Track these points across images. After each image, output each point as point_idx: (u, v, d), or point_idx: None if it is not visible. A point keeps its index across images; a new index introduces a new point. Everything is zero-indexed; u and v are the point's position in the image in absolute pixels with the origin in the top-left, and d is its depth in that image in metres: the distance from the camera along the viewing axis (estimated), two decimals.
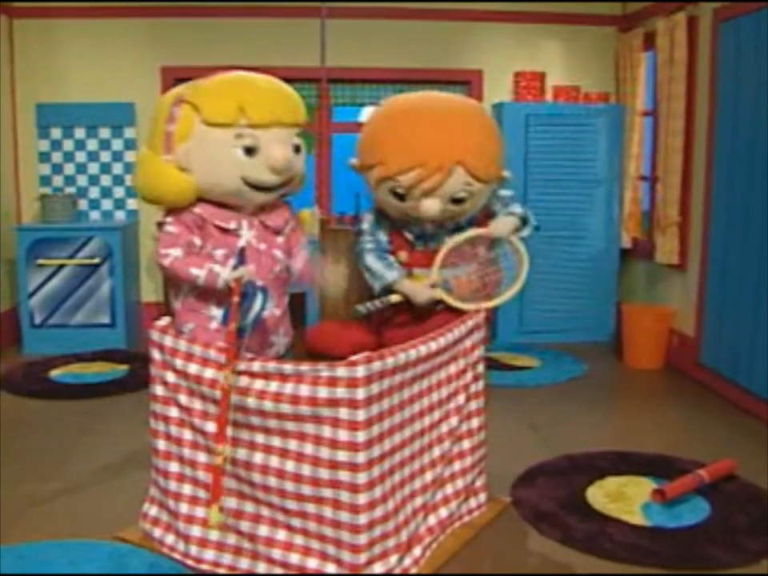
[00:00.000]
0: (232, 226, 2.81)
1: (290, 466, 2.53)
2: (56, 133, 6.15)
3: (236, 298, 2.61)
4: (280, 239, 2.93)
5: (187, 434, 2.76)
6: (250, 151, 2.72)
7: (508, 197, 3.22)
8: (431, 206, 2.91)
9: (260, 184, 2.77)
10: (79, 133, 6.16)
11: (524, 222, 3.20)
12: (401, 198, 2.96)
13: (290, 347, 3.07)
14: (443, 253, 3.04)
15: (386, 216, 3.15)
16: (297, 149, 2.85)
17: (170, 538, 2.84)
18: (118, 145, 6.19)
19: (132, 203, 6.25)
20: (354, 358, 2.46)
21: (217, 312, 2.80)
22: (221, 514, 2.47)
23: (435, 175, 2.86)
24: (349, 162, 3.12)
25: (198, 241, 2.79)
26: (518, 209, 3.19)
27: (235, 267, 2.71)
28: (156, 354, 2.81)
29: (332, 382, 2.45)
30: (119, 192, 6.23)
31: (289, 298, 3.04)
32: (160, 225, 2.91)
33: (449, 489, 3.00)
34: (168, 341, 2.76)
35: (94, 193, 6.24)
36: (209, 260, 2.76)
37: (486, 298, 3.16)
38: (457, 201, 2.96)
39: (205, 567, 2.73)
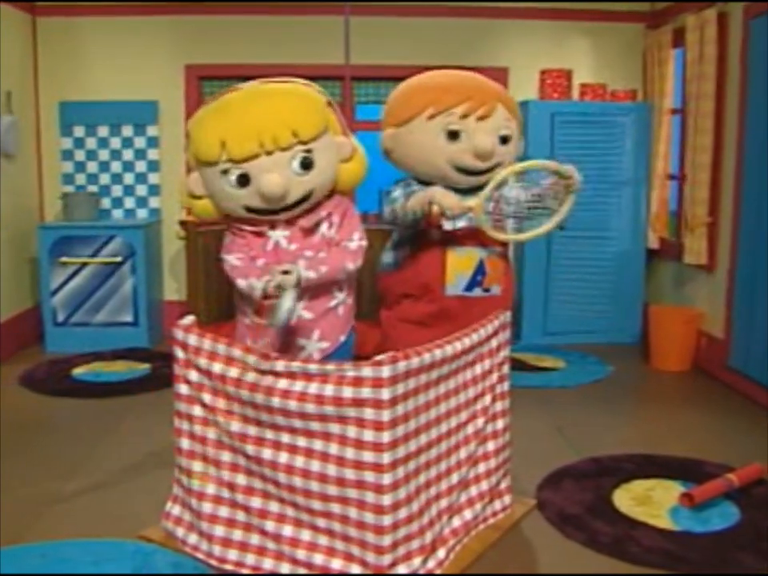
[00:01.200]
0: (262, 228, 2.83)
1: (315, 466, 2.51)
2: (79, 131, 6.17)
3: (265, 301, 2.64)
4: (315, 239, 2.86)
5: (211, 433, 2.75)
6: (241, 183, 2.71)
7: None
8: (487, 137, 2.91)
9: (263, 209, 2.78)
10: (102, 131, 6.18)
11: None
12: (455, 136, 2.92)
13: (336, 351, 2.95)
14: (494, 183, 2.93)
15: (421, 188, 3.01)
16: (306, 165, 2.72)
17: (192, 538, 2.83)
18: (140, 143, 6.20)
19: (154, 201, 6.26)
20: (379, 357, 2.43)
21: (249, 308, 2.88)
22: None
23: (484, 106, 2.92)
24: (382, 137, 3.05)
25: (243, 242, 2.86)
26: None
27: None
28: (179, 353, 2.79)
29: (357, 381, 2.43)
30: (142, 190, 6.24)
31: (342, 301, 2.96)
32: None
33: (473, 490, 2.97)
34: (192, 339, 2.74)
35: (116, 191, 6.26)
36: (253, 268, 2.80)
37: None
38: (503, 140, 2.97)
39: (228, 567, 2.72)
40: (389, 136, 3.03)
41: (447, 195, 2.82)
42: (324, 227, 2.88)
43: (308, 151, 2.72)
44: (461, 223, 2.99)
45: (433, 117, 2.92)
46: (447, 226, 2.99)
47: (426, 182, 3.02)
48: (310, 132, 2.72)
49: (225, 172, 2.70)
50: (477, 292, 3.03)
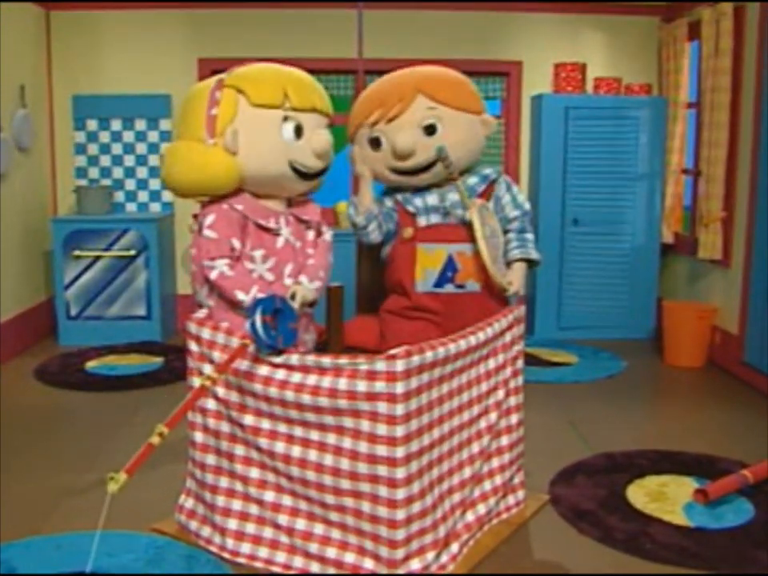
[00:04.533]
0: (272, 224, 2.78)
1: (328, 459, 2.51)
2: (92, 125, 6.18)
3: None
4: (311, 235, 2.91)
5: (224, 427, 2.75)
6: (298, 132, 2.75)
7: (526, 211, 3.16)
8: (401, 136, 2.89)
9: (306, 169, 2.79)
10: (115, 125, 6.19)
11: (530, 262, 3.12)
12: (377, 144, 2.97)
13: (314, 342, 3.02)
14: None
15: (390, 193, 3.12)
16: (329, 134, 2.88)
17: (206, 531, 2.83)
18: (153, 137, 6.21)
19: (167, 195, 6.26)
20: (392, 351, 2.43)
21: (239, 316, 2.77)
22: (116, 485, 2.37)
23: (397, 104, 2.92)
24: (349, 154, 3.11)
25: (237, 244, 2.73)
26: (530, 236, 3.15)
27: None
28: (193, 346, 2.79)
29: (371, 375, 2.42)
30: (155, 184, 6.25)
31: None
32: (196, 217, 2.87)
33: (487, 485, 2.96)
34: (205, 333, 2.74)
35: (129, 185, 6.27)
36: (251, 278, 2.72)
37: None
38: (429, 130, 2.93)
39: (241, 560, 2.72)
40: (351, 153, 3.10)
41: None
42: (315, 224, 2.94)
43: (329, 125, 2.91)
44: (434, 219, 3.02)
45: (357, 130, 3.03)
46: (421, 222, 3.02)
47: (395, 188, 3.10)
48: (331, 111, 2.91)
49: (285, 119, 2.73)
50: (448, 288, 3.01)
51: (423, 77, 3.00)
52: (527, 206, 3.17)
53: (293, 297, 2.68)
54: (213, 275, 2.70)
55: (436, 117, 2.93)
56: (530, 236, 3.15)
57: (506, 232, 3.13)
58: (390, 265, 3.11)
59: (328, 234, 2.96)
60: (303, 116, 2.75)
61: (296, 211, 2.87)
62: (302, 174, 2.79)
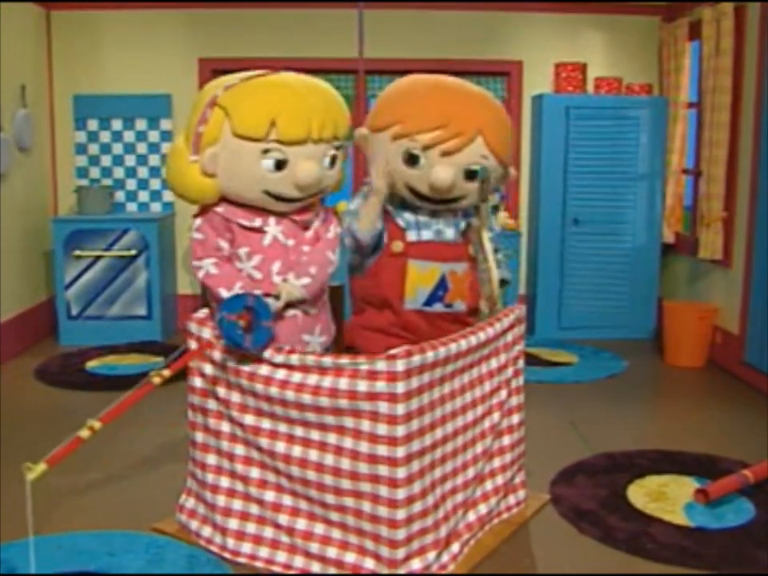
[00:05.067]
0: (256, 223, 2.75)
1: (328, 459, 2.51)
2: (93, 124, 6.18)
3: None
4: (309, 234, 2.85)
5: (225, 427, 2.75)
6: (277, 166, 2.65)
7: (497, 231, 3.17)
8: (444, 172, 2.77)
9: (283, 197, 2.72)
10: (116, 124, 6.19)
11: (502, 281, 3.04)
12: (413, 161, 2.82)
13: (330, 345, 2.98)
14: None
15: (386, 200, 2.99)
16: (332, 161, 2.78)
17: (206, 531, 2.83)
18: (154, 137, 6.21)
19: (168, 195, 6.26)
20: (393, 351, 2.42)
21: None
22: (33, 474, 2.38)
23: (456, 138, 2.77)
24: (356, 132, 2.96)
25: (224, 244, 2.75)
26: (501, 256, 3.09)
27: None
28: (194, 346, 2.79)
29: (371, 375, 2.43)
30: (156, 184, 6.25)
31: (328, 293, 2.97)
32: (196, 217, 2.88)
33: (488, 485, 2.96)
34: (206, 333, 2.74)
35: (130, 185, 6.27)
36: (238, 276, 2.72)
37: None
38: (469, 174, 2.83)
39: (242, 560, 2.72)
40: (361, 136, 2.96)
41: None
42: (315, 223, 2.87)
43: (338, 148, 2.78)
44: (426, 235, 2.95)
45: (397, 137, 2.83)
46: (411, 237, 2.94)
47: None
48: (346, 132, 2.78)
49: (265, 152, 2.63)
50: (437, 307, 2.95)
51: (489, 117, 2.85)
52: (498, 228, 3.20)
53: (278, 295, 2.67)
54: (200, 274, 2.74)
55: (479, 166, 2.83)
56: (500, 256, 3.07)
57: None
58: (372, 278, 2.97)
59: (332, 232, 2.90)
60: (290, 149, 2.63)
61: (290, 211, 2.82)
62: (283, 199, 2.72)
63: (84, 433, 2.32)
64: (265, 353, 2.61)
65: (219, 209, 2.75)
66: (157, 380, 2.50)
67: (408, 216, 2.96)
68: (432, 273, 2.94)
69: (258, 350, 2.59)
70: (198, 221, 2.79)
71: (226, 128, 2.63)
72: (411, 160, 2.83)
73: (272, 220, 2.78)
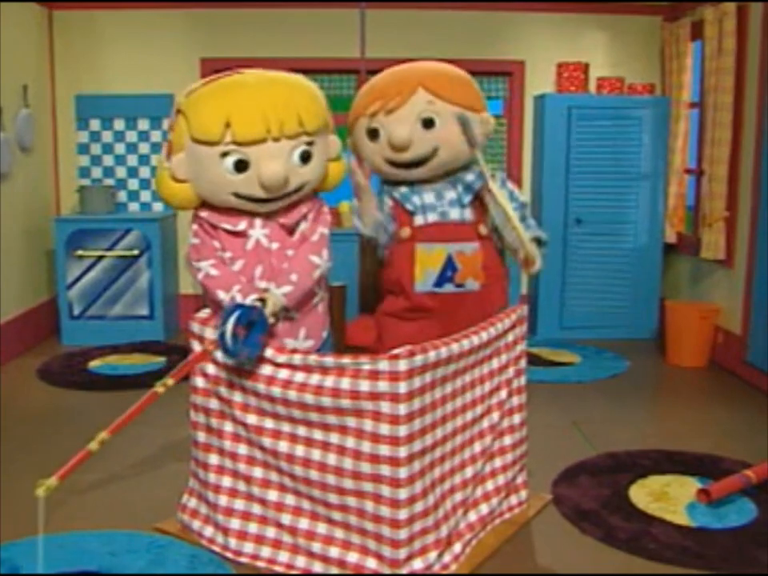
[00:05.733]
0: (240, 227, 2.72)
1: (331, 459, 2.51)
2: (95, 124, 6.19)
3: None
4: (295, 237, 2.80)
5: (227, 426, 2.75)
6: (238, 168, 2.60)
7: (524, 203, 3.14)
8: (399, 129, 2.87)
9: (253, 198, 2.67)
10: (118, 124, 6.20)
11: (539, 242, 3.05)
12: (374, 135, 2.93)
13: (329, 347, 2.95)
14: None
15: (392, 188, 3.06)
16: (305, 157, 2.68)
17: (208, 531, 2.83)
18: (156, 136, 6.21)
19: None
20: (395, 351, 2.43)
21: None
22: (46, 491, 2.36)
23: (397, 97, 2.89)
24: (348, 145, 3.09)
25: (218, 244, 2.73)
26: (532, 222, 3.10)
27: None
28: (196, 346, 2.79)
29: (374, 375, 2.43)
30: None
31: (321, 298, 2.93)
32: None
33: (489, 485, 2.96)
34: (208, 332, 2.74)
35: (132, 185, 6.28)
36: (236, 279, 2.69)
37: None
38: (427, 123, 2.89)
39: (244, 560, 2.72)
40: (349, 145, 3.08)
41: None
42: (303, 225, 2.82)
43: (309, 143, 2.69)
44: (432, 218, 2.98)
45: (355, 122, 2.99)
46: (418, 221, 2.98)
47: (393, 182, 3.05)
48: (315, 124, 2.69)
49: (224, 155, 2.59)
50: (448, 288, 2.97)
51: (425, 71, 2.99)
52: (523, 198, 3.16)
53: (264, 304, 2.63)
54: (199, 276, 2.72)
55: (434, 111, 2.90)
56: (532, 221, 3.10)
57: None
58: (387, 266, 3.05)
59: (317, 234, 2.82)
60: (251, 149, 2.57)
61: (279, 213, 2.77)
62: (256, 200, 2.68)
63: (93, 446, 2.34)
64: (267, 352, 2.62)
65: (203, 213, 2.74)
66: (161, 390, 2.51)
67: (415, 200, 3.01)
68: (438, 254, 2.97)
69: (249, 359, 2.59)
70: (194, 226, 2.78)
71: (186, 134, 2.63)
72: (372, 134, 2.95)
73: (258, 222, 2.74)
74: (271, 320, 2.63)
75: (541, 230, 3.10)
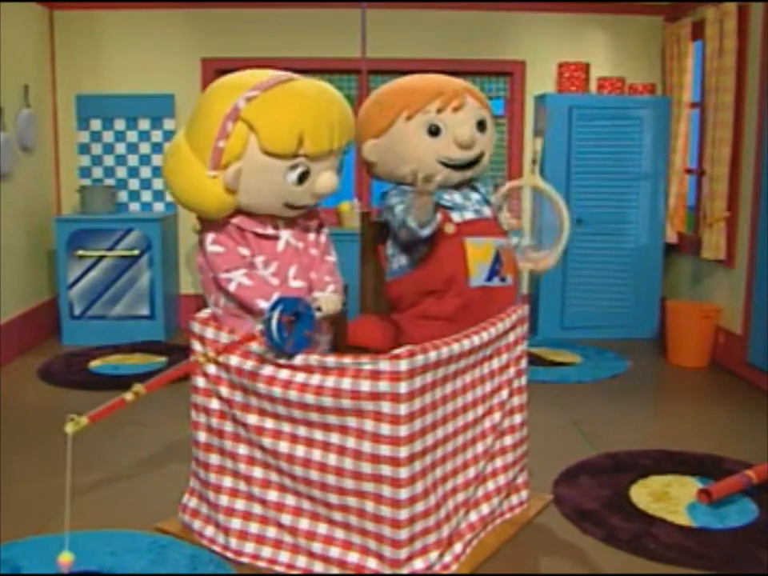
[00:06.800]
0: (270, 231, 2.73)
1: (331, 459, 2.51)
2: (96, 124, 6.19)
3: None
4: (311, 236, 2.86)
5: (228, 426, 2.75)
6: (301, 179, 2.64)
7: None
8: (464, 126, 2.93)
9: (301, 207, 2.75)
10: (119, 124, 6.20)
11: None
12: (435, 132, 2.93)
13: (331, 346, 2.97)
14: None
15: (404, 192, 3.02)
16: (339, 170, 2.80)
17: (209, 530, 2.83)
18: (157, 136, 6.21)
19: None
20: (396, 351, 2.43)
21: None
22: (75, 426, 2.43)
23: (457, 97, 2.94)
24: (364, 149, 3.02)
25: (245, 251, 2.70)
26: None
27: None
28: (197, 346, 2.79)
29: (375, 375, 2.43)
30: (158, 184, 6.25)
31: None
32: (200, 218, 2.84)
33: (490, 485, 2.96)
34: (209, 333, 2.74)
35: (133, 184, 6.27)
36: (272, 286, 2.67)
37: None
38: (481, 126, 2.99)
39: (244, 560, 2.72)
40: (370, 148, 3.00)
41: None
42: (312, 226, 2.88)
43: (344, 154, 2.80)
44: (468, 215, 2.99)
45: (410, 117, 2.93)
46: (456, 217, 2.97)
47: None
48: (351, 137, 2.80)
49: (293, 167, 2.61)
50: (496, 281, 2.98)
51: (461, 82, 3.06)
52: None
53: (319, 307, 2.64)
54: (231, 288, 2.65)
55: (484, 116, 3.02)
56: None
57: None
58: (432, 264, 2.96)
59: (323, 236, 2.90)
60: (314, 163, 2.64)
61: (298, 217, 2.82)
62: (295, 208, 2.74)
63: (128, 396, 2.32)
64: (267, 352, 2.62)
65: (235, 219, 2.70)
66: (203, 360, 2.54)
67: (447, 198, 3.01)
68: (487, 248, 2.97)
69: (294, 354, 2.58)
70: (211, 236, 2.70)
71: (252, 143, 2.56)
72: (434, 131, 2.93)
73: (281, 223, 2.77)
74: (319, 316, 2.65)
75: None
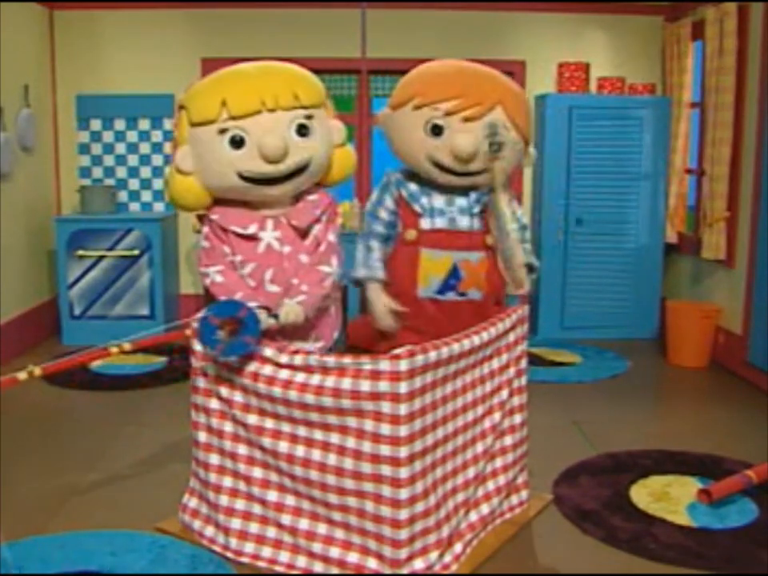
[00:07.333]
0: (250, 230, 2.73)
1: (331, 459, 2.51)
2: (96, 124, 6.19)
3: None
4: (308, 241, 2.80)
5: (228, 426, 2.75)
6: (236, 143, 2.61)
7: (524, 225, 3.10)
8: (466, 138, 2.77)
9: (258, 176, 2.66)
10: (119, 124, 6.20)
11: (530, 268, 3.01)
12: (437, 131, 2.82)
13: (334, 346, 2.95)
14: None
15: (401, 184, 2.99)
16: (301, 130, 2.68)
17: (209, 530, 2.83)
18: (157, 136, 6.21)
19: None
20: (396, 351, 2.42)
21: None
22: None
23: (476, 106, 2.78)
24: (378, 114, 3.00)
25: (228, 249, 2.74)
26: (529, 247, 3.06)
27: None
28: (197, 346, 2.79)
29: (375, 375, 2.42)
30: (158, 184, 6.25)
31: (334, 299, 2.94)
32: (200, 217, 2.88)
33: (490, 485, 2.96)
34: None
35: (133, 184, 6.27)
36: (241, 286, 2.71)
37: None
38: (493, 147, 2.80)
39: (244, 560, 2.72)
40: (382, 115, 2.99)
41: (378, 311, 2.90)
42: (316, 228, 2.82)
43: (308, 117, 2.70)
44: (439, 223, 2.93)
45: (418, 107, 2.84)
46: (425, 224, 2.93)
47: (414, 174, 2.98)
48: (311, 98, 2.71)
49: (222, 132, 2.61)
50: (450, 296, 2.93)
51: (506, 89, 2.89)
52: (525, 219, 3.12)
53: (276, 315, 2.66)
54: (206, 282, 2.75)
55: (504, 137, 2.82)
56: (528, 246, 3.06)
57: None
58: (389, 267, 2.99)
59: (324, 244, 2.82)
60: (247, 122, 2.59)
61: (292, 214, 2.78)
62: (260, 181, 2.67)
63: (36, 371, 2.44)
64: (268, 352, 2.61)
65: (214, 216, 2.75)
66: (115, 351, 2.67)
67: (424, 201, 2.95)
68: (444, 262, 2.92)
69: (226, 358, 2.59)
70: (205, 228, 2.80)
71: (185, 123, 2.68)
72: (434, 130, 2.83)
73: (269, 224, 2.75)
74: (272, 324, 2.64)
75: (534, 257, 3.05)
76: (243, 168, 2.64)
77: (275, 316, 2.66)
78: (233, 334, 2.55)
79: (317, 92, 2.77)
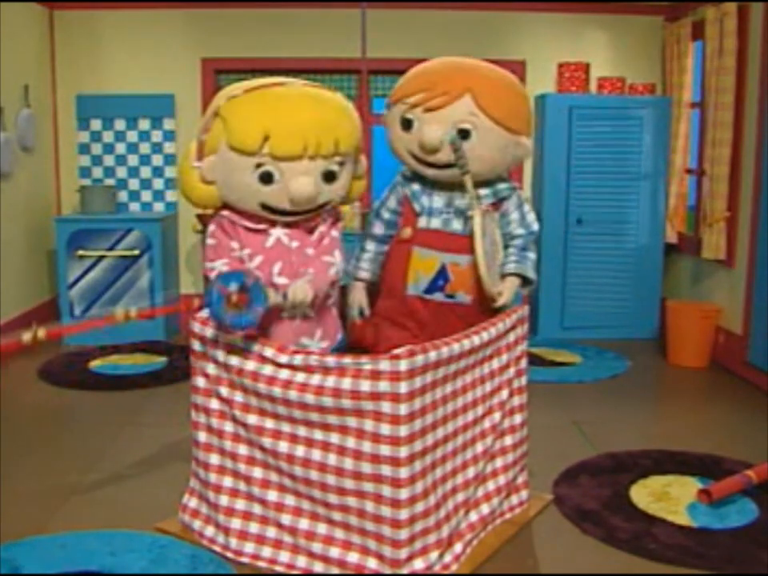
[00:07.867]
0: (261, 225, 2.76)
1: (331, 459, 2.51)
2: (96, 124, 6.20)
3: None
4: (314, 236, 2.84)
5: (228, 426, 2.75)
6: (266, 180, 2.63)
7: (532, 231, 3.07)
8: (431, 130, 2.80)
9: (278, 210, 2.71)
10: (119, 124, 6.20)
11: (525, 280, 3.02)
12: (407, 125, 2.88)
13: (334, 349, 2.93)
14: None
15: (405, 184, 3.05)
16: (329, 177, 2.71)
17: (209, 530, 2.83)
18: (157, 136, 6.22)
19: (171, 195, 6.27)
20: (396, 351, 2.42)
21: None
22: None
23: (441, 96, 2.81)
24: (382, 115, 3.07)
25: (235, 245, 2.76)
26: (531, 255, 3.06)
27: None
28: (197, 346, 2.79)
29: (375, 375, 2.42)
30: (158, 184, 6.26)
31: (335, 300, 2.95)
32: (200, 217, 2.89)
33: (490, 485, 2.95)
34: (209, 332, 2.74)
35: (133, 184, 6.28)
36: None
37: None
38: (462, 134, 2.80)
39: (244, 560, 2.72)
40: (383, 115, 3.05)
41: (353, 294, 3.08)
42: (321, 226, 2.86)
43: (340, 164, 2.73)
44: (435, 223, 2.96)
45: (393, 104, 2.93)
46: (421, 223, 2.97)
47: (416, 175, 3.02)
48: (348, 145, 2.72)
49: (257, 166, 2.63)
50: (438, 296, 2.95)
51: (479, 76, 2.89)
52: (535, 226, 3.08)
53: (284, 294, 2.67)
54: (213, 275, 2.73)
55: (473, 124, 2.81)
56: (531, 255, 3.06)
57: (506, 248, 3.05)
58: (386, 263, 3.06)
59: (327, 238, 2.85)
60: (285, 165, 2.61)
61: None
62: (281, 212, 2.73)
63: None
64: (268, 352, 2.61)
65: (226, 212, 2.78)
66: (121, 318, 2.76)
67: (424, 200, 2.99)
68: (432, 261, 2.95)
69: (235, 331, 2.57)
70: (212, 226, 2.81)
71: (223, 139, 2.65)
72: (405, 124, 2.90)
73: (278, 223, 2.79)
74: (279, 302, 2.66)
75: (533, 267, 3.05)
76: (267, 201, 2.69)
77: (284, 295, 2.67)
78: (241, 304, 2.53)
79: (355, 137, 2.76)
